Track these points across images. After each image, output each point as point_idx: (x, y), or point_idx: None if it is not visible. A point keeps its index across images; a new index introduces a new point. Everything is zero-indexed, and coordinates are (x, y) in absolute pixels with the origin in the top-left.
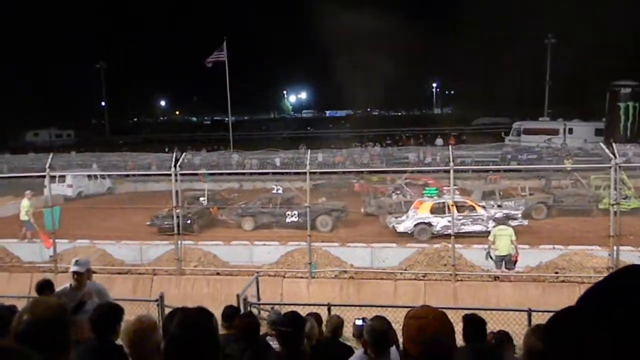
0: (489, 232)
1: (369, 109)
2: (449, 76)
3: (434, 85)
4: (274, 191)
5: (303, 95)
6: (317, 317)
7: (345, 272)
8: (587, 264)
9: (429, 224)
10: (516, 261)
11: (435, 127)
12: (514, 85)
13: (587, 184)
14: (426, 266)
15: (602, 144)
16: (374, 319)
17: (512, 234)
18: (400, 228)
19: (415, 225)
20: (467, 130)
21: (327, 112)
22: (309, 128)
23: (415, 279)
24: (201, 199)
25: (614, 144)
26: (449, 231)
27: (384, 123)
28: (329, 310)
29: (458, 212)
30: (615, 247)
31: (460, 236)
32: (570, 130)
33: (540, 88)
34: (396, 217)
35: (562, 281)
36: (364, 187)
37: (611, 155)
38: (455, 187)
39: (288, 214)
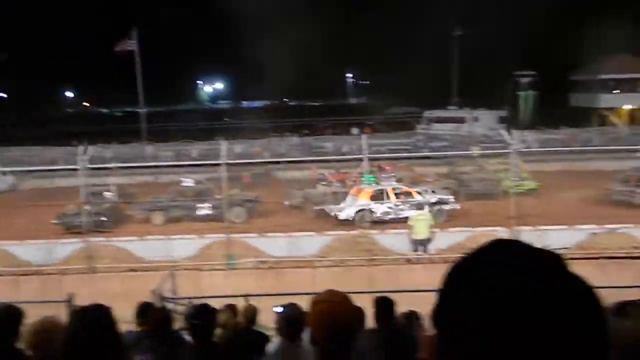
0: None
1: (285, 99)
2: (363, 66)
3: (349, 75)
4: (184, 184)
5: (219, 85)
6: (233, 307)
7: (264, 262)
8: None
9: (370, 211)
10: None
11: (351, 116)
12: (424, 75)
13: (490, 169)
14: (344, 253)
15: (502, 131)
16: (287, 306)
17: (429, 219)
18: (342, 216)
19: (356, 212)
20: (382, 119)
21: (244, 103)
22: (225, 119)
23: (333, 266)
24: (108, 193)
25: (513, 131)
26: (389, 217)
27: (301, 113)
28: (246, 301)
29: (396, 198)
30: (515, 227)
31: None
32: (476, 119)
33: (448, 78)
34: (335, 206)
35: None
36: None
37: (511, 142)
38: (393, 175)
39: (200, 207)
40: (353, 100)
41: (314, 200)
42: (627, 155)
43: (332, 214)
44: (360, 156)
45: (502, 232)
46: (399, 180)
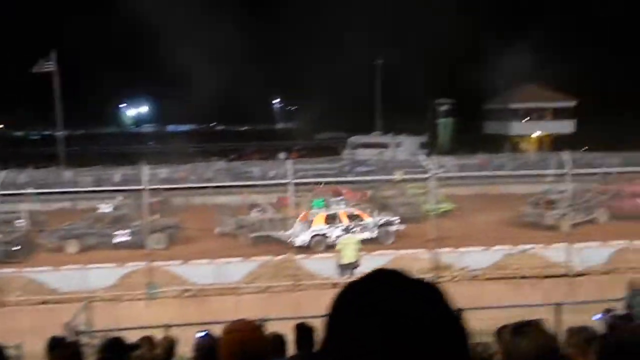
0: (375, 238)
1: (212, 124)
2: (290, 92)
3: (276, 100)
4: (101, 210)
5: (143, 108)
6: (150, 339)
7: (187, 290)
8: (413, 266)
9: (324, 235)
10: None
11: (279, 141)
12: (349, 101)
13: (410, 193)
14: (269, 278)
15: (423, 157)
16: (204, 335)
17: (357, 242)
18: (298, 242)
19: (312, 238)
20: (308, 144)
21: (169, 127)
22: (149, 143)
23: (258, 292)
24: (19, 221)
25: (433, 156)
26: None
27: (227, 138)
28: (166, 331)
29: (349, 221)
30: (436, 250)
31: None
32: (399, 144)
33: (372, 104)
34: (286, 232)
35: None
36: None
37: (430, 167)
38: (340, 198)
39: (118, 234)
40: (280, 126)
41: (250, 228)
42: (536, 179)
43: (289, 240)
44: (286, 181)
45: (423, 254)
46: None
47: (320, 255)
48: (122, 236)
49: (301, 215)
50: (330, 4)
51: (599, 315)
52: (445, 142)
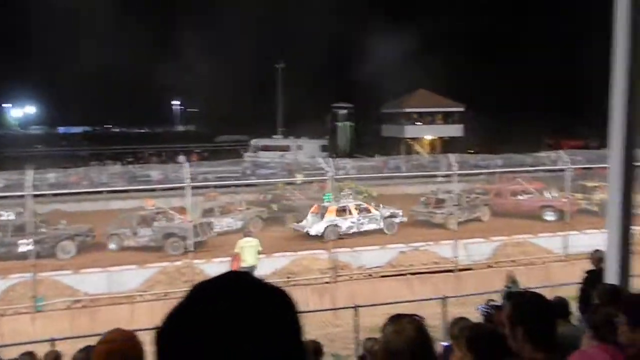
0: (381, 229)
1: (107, 125)
2: (191, 94)
3: (176, 102)
4: (3, 217)
5: (31, 109)
6: (31, 355)
7: (78, 301)
8: (313, 266)
9: (337, 226)
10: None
11: (178, 144)
12: (250, 104)
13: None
14: (167, 285)
15: (322, 159)
16: (85, 348)
17: (257, 244)
18: (313, 231)
19: (325, 228)
20: (210, 147)
21: (60, 129)
22: (37, 146)
23: (154, 300)
24: None
25: (332, 159)
26: (352, 230)
27: (124, 140)
28: (52, 346)
29: (358, 213)
30: (334, 250)
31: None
32: (300, 147)
33: (273, 108)
34: (298, 222)
35: (294, 285)
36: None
37: (328, 169)
38: (349, 192)
39: (21, 243)
40: (180, 128)
41: (178, 234)
42: (429, 180)
43: (304, 230)
44: (184, 185)
45: (322, 254)
46: (209, 210)
47: (218, 259)
48: (26, 245)
49: (313, 208)
50: (229, 7)
51: (481, 306)
52: (344, 144)
